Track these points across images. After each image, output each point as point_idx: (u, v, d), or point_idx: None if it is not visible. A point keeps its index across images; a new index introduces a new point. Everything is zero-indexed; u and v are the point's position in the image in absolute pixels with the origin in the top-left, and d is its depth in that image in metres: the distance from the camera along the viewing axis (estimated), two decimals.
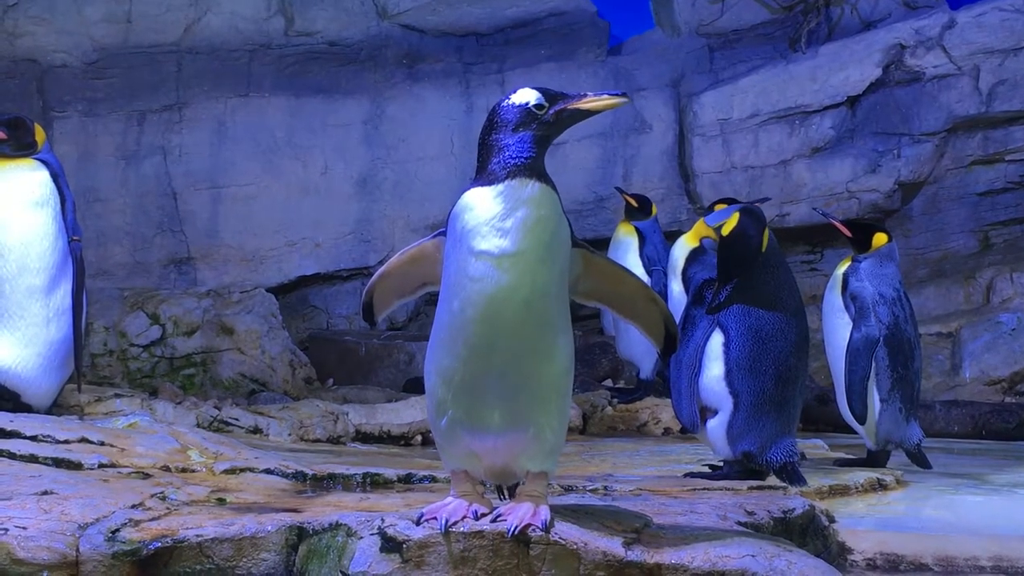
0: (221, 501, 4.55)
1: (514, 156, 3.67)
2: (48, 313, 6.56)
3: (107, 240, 10.92)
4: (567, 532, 3.71)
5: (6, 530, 3.83)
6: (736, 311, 5.54)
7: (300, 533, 3.92)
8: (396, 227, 11.54)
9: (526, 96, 3.74)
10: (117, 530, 3.90)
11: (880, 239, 6.67)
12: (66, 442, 5.48)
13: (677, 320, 5.90)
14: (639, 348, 9.00)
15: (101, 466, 5.18)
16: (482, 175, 3.69)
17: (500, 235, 3.60)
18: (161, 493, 4.53)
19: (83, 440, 5.54)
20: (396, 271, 3.96)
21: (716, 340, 5.55)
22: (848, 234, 6.75)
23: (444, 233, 3.79)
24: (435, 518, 3.72)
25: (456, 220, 3.68)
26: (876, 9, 12.16)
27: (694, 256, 7.36)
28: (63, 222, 6.63)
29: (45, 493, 4.33)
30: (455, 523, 3.70)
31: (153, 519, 4.03)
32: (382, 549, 3.73)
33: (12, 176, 6.61)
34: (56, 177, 6.68)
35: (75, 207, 6.78)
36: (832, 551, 4.66)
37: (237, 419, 7.53)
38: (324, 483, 5.27)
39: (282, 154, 11.38)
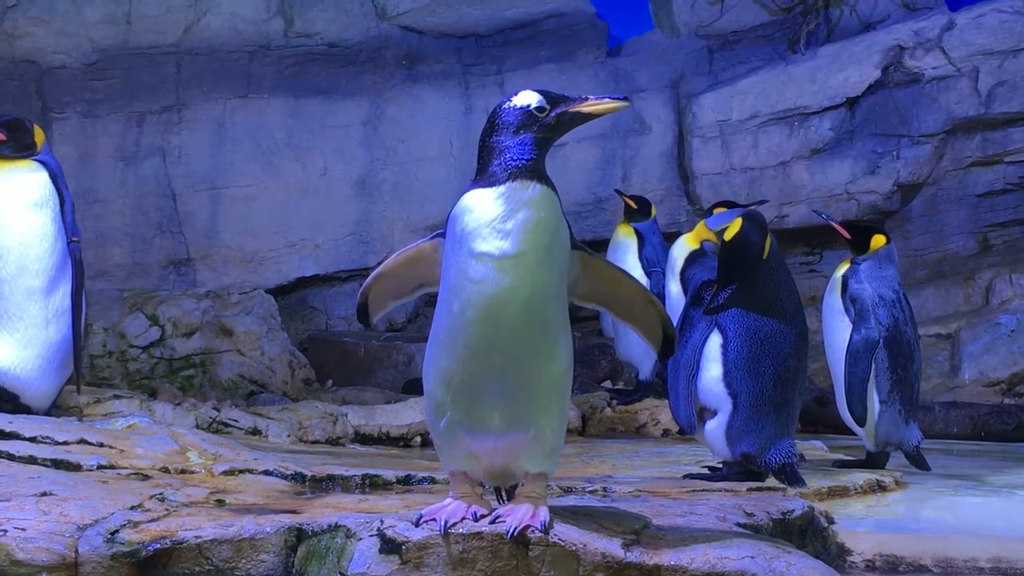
0: (220, 502, 4.55)
1: (515, 158, 3.67)
2: (47, 314, 6.56)
3: (106, 241, 10.91)
4: (566, 533, 3.71)
5: (5, 531, 3.83)
6: (735, 312, 5.55)
7: (299, 534, 3.92)
8: (395, 228, 11.54)
9: (527, 98, 3.74)
10: (116, 531, 3.90)
11: (879, 241, 6.67)
12: (65, 443, 5.48)
13: (675, 322, 5.91)
14: (638, 350, 9.00)
15: (100, 467, 5.18)
16: (482, 177, 3.68)
17: (501, 237, 3.59)
18: (160, 494, 4.53)
19: (82, 441, 5.54)
20: (392, 272, 3.97)
21: (714, 341, 5.55)
22: (847, 236, 6.75)
23: (443, 235, 3.78)
24: (434, 519, 3.72)
25: (456, 221, 3.67)
26: (875, 10, 12.16)
27: (693, 258, 7.35)
28: (62, 223, 6.63)
29: (44, 494, 4.33)
30: (454, 524, 3.70)
31: (152, 520, 4.03)
32: (381, 550, 3.73)
33: (11, 177, 6.61)
34: (55, 178, 6.68)
35: (74, 208, 6.78)
36: (831, 552, 4.66)
37: (236, 420, 7.53)
38: (323, 484, 5.27)
39: (281, 155, 11.38)
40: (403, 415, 8.06)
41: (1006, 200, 11.92)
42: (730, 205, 7.69)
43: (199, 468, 5.36)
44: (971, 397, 9.91)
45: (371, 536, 3.78)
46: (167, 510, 4.23)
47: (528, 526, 3.67)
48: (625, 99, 3.73)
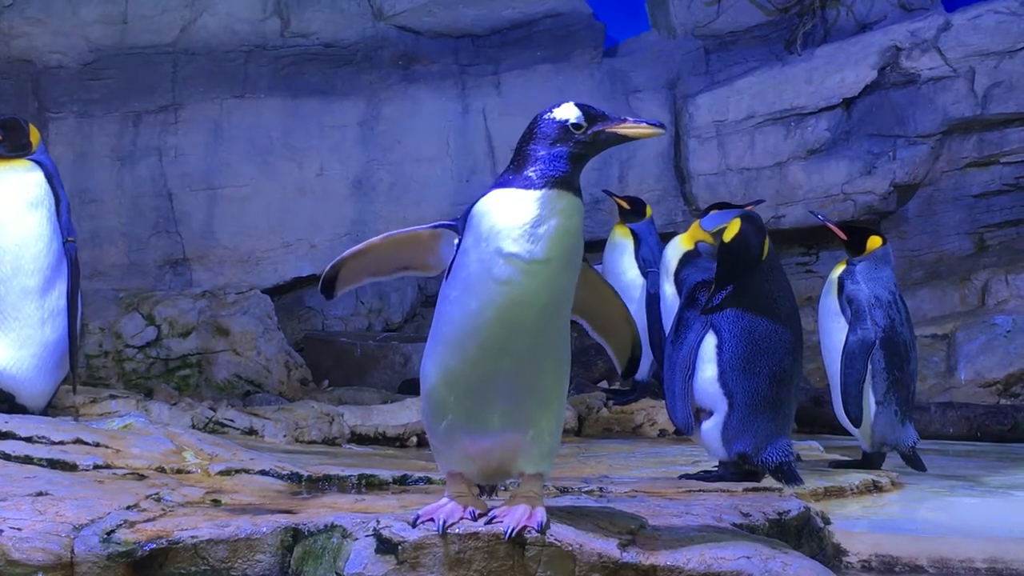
0: (216, 502, 4.55)
1: (551, 169, 3.67)
2: (43, 314, 6.56)
3: (102, 241, 10.90)
4: (563, 533, 3.71)
5: (1, 531, 3.82)
6: (730, 313, 5.55)
7: (295, 534, 3.92)
8: (392, 228, 11.46)
9: (567, 112, 3.74)
10: (112, 531, 3.90)
11: (875, 242, 6.67)
12: (61, 443, 5.48)
13: (669, 322, 5.92)
14: None
15: (96, 467, 5.18)
16: (516, 179, 3.67)
17: (532, 241, 3.60)
18: (156, 494, 4.52)
19: (78, 441, 5.53)
20: (378, 251, 3.96)
21: (709, 342, 5.56)
22: (843, 237, 6.75)
23: (452, 227, 3.78)
24: (432, 519, 3.72)
25: (483, 218, 3.65)
26: (872, 11, 12.16)
27: (687, 258, 7.35)
28: (58, 223, 6.63)
29: (40, 494, 4.33)
30: (452, 524, 3.70)
31: (148, 520, 4.03)
32: (377, 551, 3.73)
33: (7, 177, 6.61)
34: (51, 178, 6.68)
35: (70, 208, 6.78)
36: (827, 553, 4.66)
37: (232, 420, 7.53)
38: (319, 484, 5.27)
39: (278, 155, 11.38)
40: (399, 415, 8.06)
41: (1002, 201, 11.92)
42: (725, 207, 7.68)
43: (195, 468, 5.36)
44: (967, 398, 9.92)
45: (367, 536, 3.78)
46: (163, 510, 4.23)
47: (525, 526, 3.67)
48: (661, 126, 3.76)
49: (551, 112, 3.75)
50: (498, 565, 3.68)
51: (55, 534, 3.86)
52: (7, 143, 6.67)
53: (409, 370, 10.26)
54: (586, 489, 5.13)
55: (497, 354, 3.66)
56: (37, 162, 6.72)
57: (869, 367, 6.42)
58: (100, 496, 4.36)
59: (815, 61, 11.77)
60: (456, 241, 3.76)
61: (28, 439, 5.46)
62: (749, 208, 6.79)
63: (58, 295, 6.60)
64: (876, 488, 5.85)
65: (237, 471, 5.32)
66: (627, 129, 3.73)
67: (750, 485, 5.40)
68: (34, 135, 6.80)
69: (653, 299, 8.39)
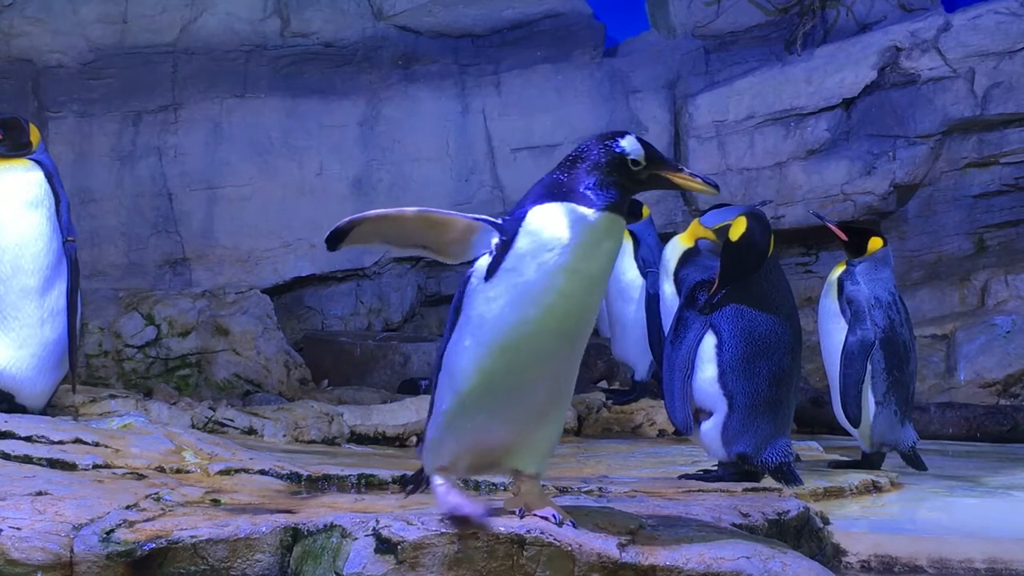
0: (216, 502, 4.55)
1: (608, 195, 3.71)
2: (42, 314, 6.56)
3: (102, 241, 10.90)
4: (562, 533, 3.72)
5: (0, 531, 3.82)
6: (729, 313, 5.55)
7: (295, 534, 3.92)
8: None
9: (630, 147, 3.79)
10: (111, 531, 3.90)
11: (875, 243, 6.67)
12: (60, 443, 5.48)
13: (669, 323, 5.91)
14: (634, 350, 9.02)
15: (95, 467, 5.18)
16: (574, 195, 3.70)
17: (595, 257, 3.71)
18: (156, 494, 4.53)
19: (77, 441, 5.54)
20: (406, 222, 3.87)
21: (709, 342, 5.55)
22: (844, 237, 6.74)
23: (493, 225, 3.76)
24: (463, 514, 3.73)
25: (549, 228, 3.68)
26: (871, 11, 12.16)
27: (687, 257, 7.33)
28: (58, 222, 6.63)
29: (39, 494, 4.33)
30: (481, 520, 3.73)
31: (147, 520, 4.03)
32: (377, 550, 3.73)
33: (7, 176, 6.61)
34: (51, 177, 6.68)
35: (70, 207, 6.78)
36: (827, 553, 4.67)
37: (232, 420, 7.53)
38: (319, 484, 5.27)
39: (278, 155, 11.37)
40: (399, 415, 8.06)
41: (1002, 201, 11.92)
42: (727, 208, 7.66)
43: (195, 468, 5.36)
44: (967, 398, 9.92)
45: (367, 536, 3.79)
46: (163, 510, 4.24)
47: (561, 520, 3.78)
48: (715, 186, 3.86)
49: (616, 141, 3.79)
50: (497, 565, 3.69)
51: (54, 533, 3.87)
52: (7, 142, 6.67)
53: (409, 370, 10.25)
54: (585, 489, 5.13)
55: (547, 360, 3.74)
56: (37, 161, 6.72)
57: (868, 367, 6.42)
58: (99, 496, 4.36)
59: (815, 61, 11.76)
60: (495, 240, 3.75)
61: (28, 438, 5.47)
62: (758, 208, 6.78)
63: (58, 295, 6.60)
64: (875, 488, 5.85)
65: (236, 471, 5.32)
66: (680, 179, 3.85)
67: (749, 485, 5.40)
68: (34, 134, 6.80)
69: (653, 299, 8.40)
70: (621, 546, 3.73)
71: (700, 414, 5.61)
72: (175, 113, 11.22)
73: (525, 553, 3.68)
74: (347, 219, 3.87)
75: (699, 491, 5.14)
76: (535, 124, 11.70)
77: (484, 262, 3.75)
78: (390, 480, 5.34)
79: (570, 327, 3.75)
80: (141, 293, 10.30)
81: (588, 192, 3.70)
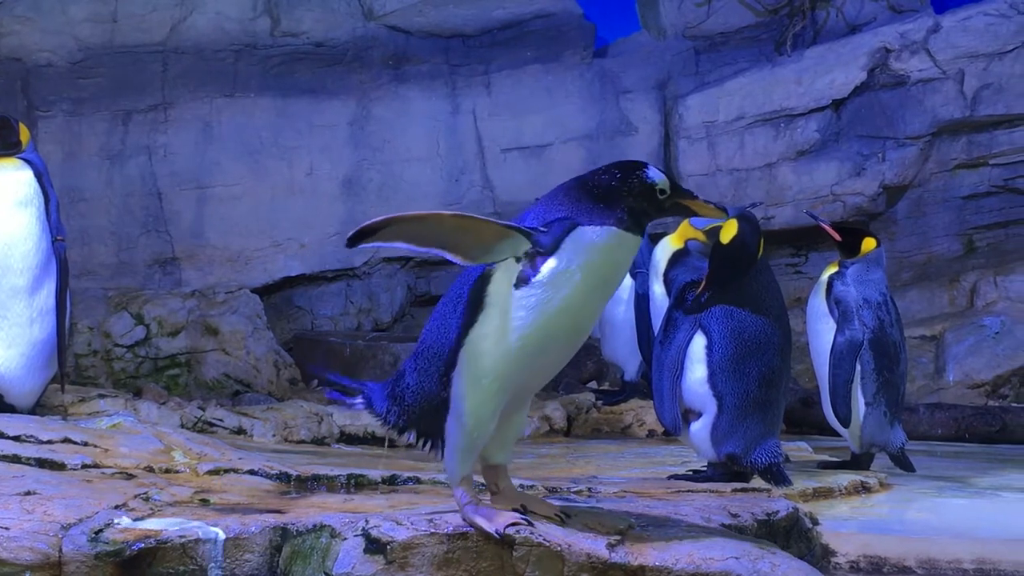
0: (205, 502, 4.54)
1: (637, 219, 3.89)
2: (31, 313, 6.56)
3: (91, 240, 10.88)
4: (551, 533, 3.72)
5: None
6: (718, 313, 5.55)
7: (284, 534, 3.92)
8: None
9: (657, 176, 3.92)
10: (100, 531, 3.90)
11: (869, 244, 6.67)
12: (49, 442, 5.47)
13: (659, 323, 5.92)
14: (624, 350, 9.01)
15: (84, 466, 5.17)
16: (611, 218, 3.84)
17: (621, 277, 4.02)
18: (145, 494, 4.52)
19: (66, 440, 5.53)
20: (438, 224, 3.84)
21: (698, 342, 5.56)
22: (837, 238, 6.74)
23: (529, 235, 3.78)
24: (514, 523, 3.78)
25: (592, 248, 3.80)
26: (861, 12, 12.18)
27: (676, 258, 7.35)
28: (47, 222, 6.62)
29: (28, 493, 4.33)
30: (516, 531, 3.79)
31: (136, 519, 4.03)
32: (366, 550, 3.73)
33: None
34: (40, 176, 6.67)
35: (59, 207, 6.78)
36: (816, 553, 4.67)
37: (221, 420, 7.52)
38: (308, 484, 5.26)
39: (268, 154, 11.36)
40: None
41: (991, 202, 11.94)
42: None
43: (184, 467, 5.35)
44: (955, 399, 9.94)
45: (356, 536, 3.79)
46: (152, 509, 4.23)
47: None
48: (724, 211, 4.09)
49: (647, 172, 3.92)
50: (487, 565, 3.69)
51: (43, 533, 3.86)
52: None
53: None
54: (575, 489, 5.13)
55: (560, 363, 3.96)
56: (26, 160, 6.71)
57: (858, 368, 6.43)
58: (88, 495, 4.35)
59: (805, 62, 11.78)
60: (526, 249, 3.78)
61: (16, 438, 5.46)
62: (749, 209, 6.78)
63: (47, 294, 6.59)
64: (864, 489, 5.86)
65: (226, 471, 5.31)
66: (697, 206, 4.00)
67: (739, 486, 5.40)
68: (23, 133, 6.79)
69: (642, 300, 8.39)
70: (610, 546, 3.74)
71: (689, 415, 5.61)
72: (165, 112, 11.21)
73: (514, 553, 3.68)
74: (383, 217, 3.80)
75: (688, 491, 5.14)
76: (525, 124, 11.70)
77: (514, 269, 3.78)
78: (379, 480, 5.33)
79: (585, 335, 3.94)
80: (131, 293, 10.29)
81: (627, 218, 3.84)
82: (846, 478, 5.90)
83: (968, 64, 11.65)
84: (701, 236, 6.99)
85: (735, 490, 5.27)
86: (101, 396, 7.61)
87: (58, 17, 11.03)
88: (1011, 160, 11.79)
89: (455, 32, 11.91)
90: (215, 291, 10.43)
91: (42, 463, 5.13)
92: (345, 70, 11.64)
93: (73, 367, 9.20)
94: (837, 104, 11.76)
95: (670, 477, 5.73)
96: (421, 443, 3.97)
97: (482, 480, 4.08)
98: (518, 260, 3.77)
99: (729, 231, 5.64)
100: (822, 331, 6.55)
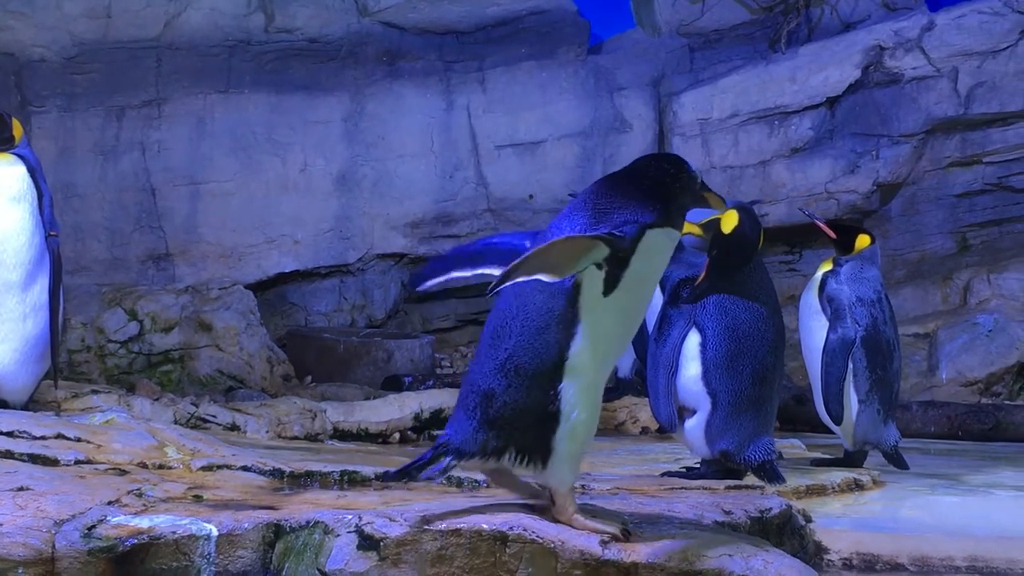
0: (198, 498, 4.54)
1: (684, 216, 4.09)
2: (24, 309, 6.55)
3: (85, 236, 10.87)
4: (544, 530, 3.72)
5: None
6: (713, 310, 5.55)
7: (277, 530, 3.92)
8: (375, 224, 11.53)
9: (695, 170, 4.09)
10: (93, 526, 3.89)
11: (863, 241, 6.67)
12: (42, 438, 5.46)
13: (653, 320, 5.92)
14: None
15: (77, 462, 5.16)
16: (670, 219, 3.95)
17: None
18: (138, 490, 4.51)
19: (59, 436, 5.51)
20: (551, 253, 3.74)
21: (693, 340, 5.56)
22: (832, 235, 6.74)
23: (608, 242, 3.77)
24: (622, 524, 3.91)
25: (660, 250, 3.95)
26: (856, 10, 12.19)
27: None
28: (40, 217, 6.61)
29: (21, 489, 4.32)
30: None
31: (130, 515, 4.02)
32: (359, 547, 3.73)
33: None
34: (33, 172, 6.66)
35: (52, 202, 6.76)
36: (809, 550, 4.68)
37: (215, 416, 7.52)
38: (301, 481, 5.25)
39: (261, 150, 11.35)
40: (382, 411, 8.05)
41: (984, 200, 11.96)
42: None
43: (177, 463, 5.34)
44: (949, 396, 9.94)
45: (349, 532, 3.79)
46: (145, 505, 4.23)
47: None
48: (724, 201, 4.31)
49: (690, 166, 4.07)
50: (480, 562, 3.69)
51: (36, 529, 3.86)
52: None
53: (392, 366, 10.25)
54: None
55: None
56: (20, 156, 6.70)
57: (851, 366, 6.42)
58: (82, 491, 4.35)
59: (799, 60, 11.78)
60: (608, 256, 3.79)
61: (9, 434, 5.44)
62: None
63: (40, 290, 6.58)
64: (858, 486, 5.86)
65: (219, 467, 5.31)
66: (711, 197, 4.14)
67: (732, 483, 5.40)
68: (17, 129, 6.78)
69: None
70: (603, 543, 3.74)
71: (684, 412, 5.62)
72: (159, 108, 11.19)
73: (507, 550, 3.68)
74: (513, 264, 3.67)
75: (682, 489, 5.14)
76: (520, 121, 11.70)
77: (599, 276, 3.81)
78: (373, 477, 5.33)
79: None
80: (124, 288, 10.28)
81: (676, 214, 3.98)
82: (839, 475, 5.90)
83: (962, 62, 11.66)
84: (697, 230, 6.97)
85: (728, 487, 5.27)
86: (94, 392, 7.59)
87: (52, 12, 11.01)
88: (1005, 158, 11.81)
89: (449, 28, 11.90)
90: (208, 287, 10.43)
91: (35, 459, 5.12)
92: (339, 66, 11.63)
93: (66, 363, 9.19)
94: (831, 102, 11.78)
95: (663, 474, 5.74)
96: (519, 459, 3.87)
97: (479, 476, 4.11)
98: (599, 267, 3.79)
99: (730, 221, 5.61)
100: (815, 328, 6.55)
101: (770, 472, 5.48)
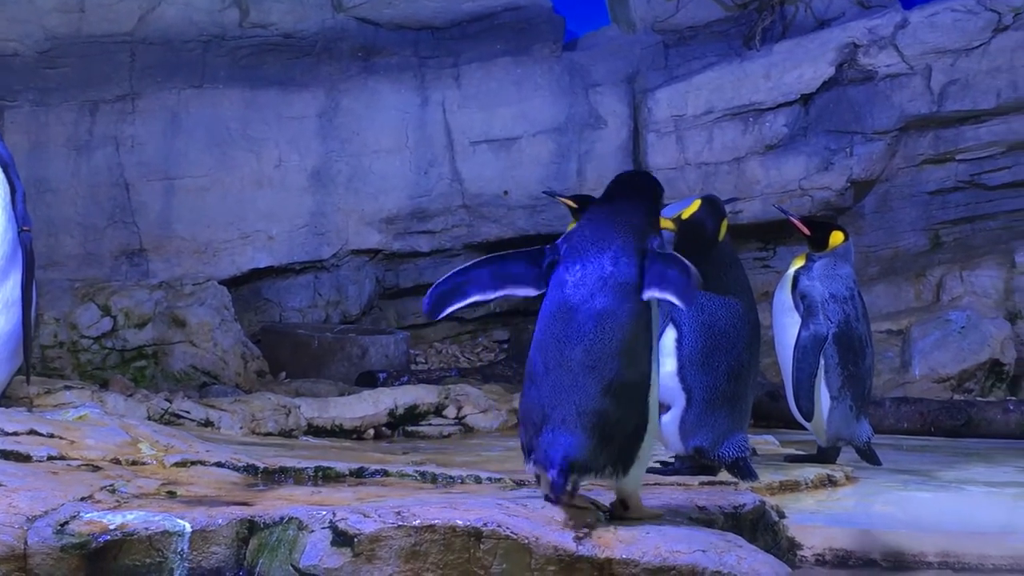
0: (171, 494, 4.52)
1: None
2: None
3: (58, 231, 10.81)
4: (518, 526, 3.72)
5: None
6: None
7: (251, 527, 3.91)
8: (350, 220, 11.51)
9: None
10: (66, 523, 3.88)
11: (837, 238, 6.69)
12: (15, 434, 5.43)
13: None
14: None
15: (50, 458, 5.13)
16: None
17: None
18: (111, 486, 4.49)
19: (32, 432, 5.48)
20: None
21: (669, 336, 5.58)
22: (807, 232, 6.74)
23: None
24: None
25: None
26: (830, 8, 12.22)
27: None
28: (13, 212, 6.58)
29: None
30: None
31: (102, 511, 4.01)
32: (333, 543, 3.73)
33: None
34: (6, 167, 6.63)
35: (25, 197, 6.73)
36: (782, 546, 4.69)
37: (188, 412, 7.50)
38: (275, 477, 5.24)
39: (236, 146, 11.31)
40: (356, 407, 8.05)
41: (957, 198, 12.02)
42: None
43: (150, 459, 5.32)
44: (921, 393, 9.98)
45: (323, 528, 3.78)
46: (118, 501, 4.21)
47: None
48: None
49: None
50: (454, 558, 3.69)
51: (8, 525, 3.84)
52: None
53: (367, 362, 10.24)
54: None
55: None
56: None
57: (823, 362, 6.43)
58: (54, 487, 4.33)
59: (773, 57, 11.81)
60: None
61: None
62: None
63: (12, 285, 6.55)
64: (831, 482, 5.89)
65: (193, 463, 5.29)
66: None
67: (706, 479, 5.42)
68: None
69: None
70: (578, 539, 3.74)
71: (659, 407, 5.62)
72: (133, 103, 11.15)
73: (482, 546, 3.68)
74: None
75: (656, 484, 5.15)
76: (494, 117, 11.70)
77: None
78: (347, 473, 5.32)
79: None
80: (97, 284, 10.24)
81: None
82: (812, 472, 5.93)
83: (935, 60, 11.71)
84: (670, 225, 7.00)
85: (703, 483, 5.29)
86: (67, 388, 7.56)
87: (25, 6, 10.95)
88: (977, 156, 11.87)
89: (424, 24, 11.89)
90: (182, 283, 10.40)
91: (7, 455, 5.09)
92: (314, 62, 11.61)
93: (39, 358, 9.15)
94: (805, 99, 11.81)
95: None
96: (613, 470, 4.00)
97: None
98: None
99: (691, 209, 5.73)
100: (787, 325, 6.56)
101: (743, 469, 5.50)
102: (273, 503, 4.23)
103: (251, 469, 5.21)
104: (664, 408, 5.60)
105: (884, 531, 4.97)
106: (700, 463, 5.59)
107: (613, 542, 3.76)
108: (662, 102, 11.75)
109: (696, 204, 5.76)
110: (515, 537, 3.69)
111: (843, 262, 6.64)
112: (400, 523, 3.73)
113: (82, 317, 9.73)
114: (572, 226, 9.32)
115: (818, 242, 6.67)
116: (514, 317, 11.92)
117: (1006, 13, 11.67)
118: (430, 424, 8.13)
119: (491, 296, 4.09)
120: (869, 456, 6.65)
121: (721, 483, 5.36)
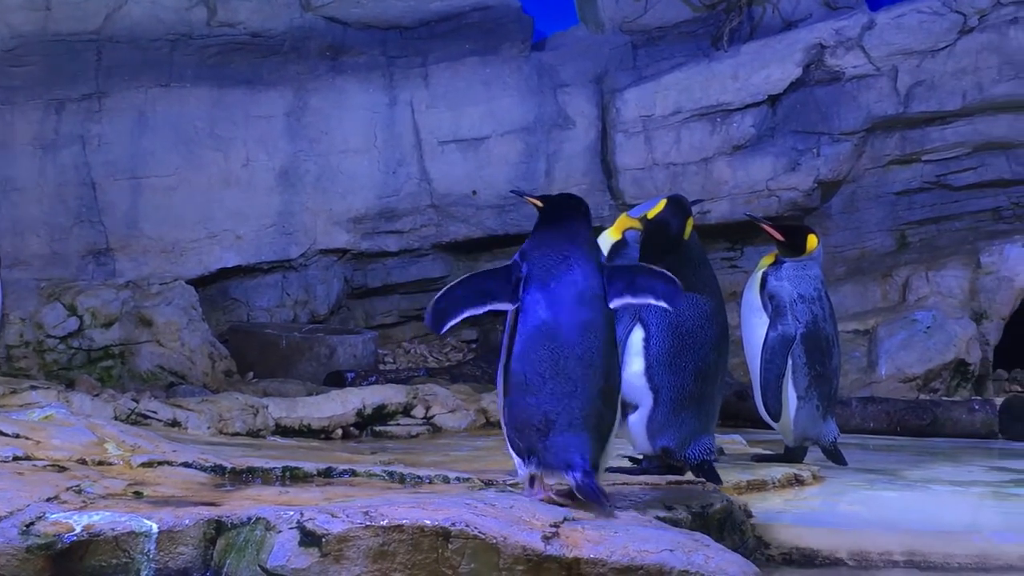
0: (138, 494, 4.50)
1: None
2: None
3: (24, 230, 10.75)
4: (486, 526, 3.72)
5: None
6: (657, 307, 5.57)
7: (218, 527, 3.89)
8: (318, 220, 11.49)
9: None
10: (32, 523, 3.86)
11: (813, 242, 6.69)
12: None
13: None
14: None
15: (15, 459, 5.10)
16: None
17: None
18: (77, 486, 4.47)
19: None
20: None
21: (637, 336, 5.58)
22: (780, 238, 6.71)
23: None
24: None
25: None
26: (797, 9, 12.27)
27: (616, 250, 7.36)
28: None
29: None
30: None
31: (68, 512, 3.99)
32: (301, 543, 3.72)
33: None
34: None
35: None
36: (749, 545, 4.71)
37: (155, 412, 7.47)
38: (243, 477, 5.23)
39: (203, 145, 11.28)
40: (324, 407, 8.04)
41: (923, 198, 12.09)
42: None
43: (117, 460, 5.30)
44: (887, 392, 10.03)
45: (291, 529, 3.77)
46: (84, 502, 4.19)
47: None
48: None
49: None
50: (422, 558, 3.69)
51: None
52: None
53: (335, 362, 10.22)
54: (511, 482, 5.13)
55: None
56: None
57: (790, 362, 6.45)
58: (19, 488, 4.30)
59: (741, 58, 11.85)
60: None
61: None
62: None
63: None
64: (798, 482, 5.91)
65: (160, 463, 5.27)
66: None
67: (674, 478, 5.43)
68: None
69: None
70: (546, 539, 3.74)
71: (626, 407, 5.63)
72: (99, 102, 11.10)
73: (450, 546, 3.68)
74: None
75: (624, 484, 5.16)
76: (463, 117, 11.70)
77: None
78: (315, 473, 5.31)
79: None
80: (63, 283, 10.20)
81: None
82: (780, 471, 5.95)
83: (902, 61, 11.77)
84: (638, 224, 7.02)
85: (670, 483, 5.30)
86: (33, 388, 7.53)
87: None
88: (943, 156, 11.95)
89: (392, 24, 11.88)
90: (149, 282, 10.36)
91: None
92: (282, 61, 11.59)
93: (4, 358, 9.11)
94: (773, 99, 11.85)
95: (606, 470, 5.75)
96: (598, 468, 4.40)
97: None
98: None
99: (657, 208, 5.79)
100: (755, 325, 6.58)
101: (708, 473, 5.51)
102: (240, 503, 4.21)
103: (218, 469, 5.19)
104: (632, 408, 5.61)
105: (851, 530, 4.98)
106: (667, 463, 5.60)
107: (581, 541, 3.77)
108: (630, 102, 11.78)
109: (662, 204, 5.81)
110: (483, 537, 3.69)
111: (812, 263, 6.66)
112: (368, 523, 3.73)
113: (48, 317, 9.69)
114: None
115: (792, 248, 6.66)
116: (482, 317, 11.92)
117: (972, 15, 11.74)
118: (398, 424, 8.13)
119: (480, 311, 4.36)
120: (835, 456, 6.68)
121: (689, 483, 5.37)
